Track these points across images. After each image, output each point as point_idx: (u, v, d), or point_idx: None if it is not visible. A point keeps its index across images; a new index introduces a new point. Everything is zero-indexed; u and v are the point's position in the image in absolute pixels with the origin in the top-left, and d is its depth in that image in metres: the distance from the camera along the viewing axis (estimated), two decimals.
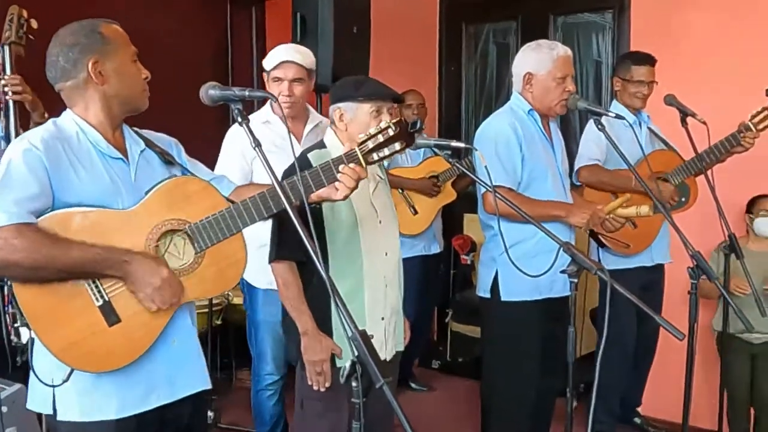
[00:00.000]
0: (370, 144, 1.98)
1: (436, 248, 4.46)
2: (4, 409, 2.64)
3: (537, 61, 2.99)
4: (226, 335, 4.60)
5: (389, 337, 2.50)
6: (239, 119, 1.78)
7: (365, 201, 2.42)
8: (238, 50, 5.28)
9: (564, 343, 2.20)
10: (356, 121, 2.37)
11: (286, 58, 3.10)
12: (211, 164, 3.05)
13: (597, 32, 4.76)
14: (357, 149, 1.98)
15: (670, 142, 3.55)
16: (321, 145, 2.47)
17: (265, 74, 3.20)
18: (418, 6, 5.26)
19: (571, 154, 3.45)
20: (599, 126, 2.72)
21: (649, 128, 3.64)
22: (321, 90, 4.06)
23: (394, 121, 1.99)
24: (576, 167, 3.46)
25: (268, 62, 3.15)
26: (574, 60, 3.10)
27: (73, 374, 1.81)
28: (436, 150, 2.49)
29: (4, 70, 2.68)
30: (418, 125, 2.21)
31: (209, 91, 1.86)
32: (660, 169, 3.40)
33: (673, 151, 3.52)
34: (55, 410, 1.84)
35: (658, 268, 3.67)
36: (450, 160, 2.59)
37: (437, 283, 4.84)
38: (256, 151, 1.70)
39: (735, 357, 3.60)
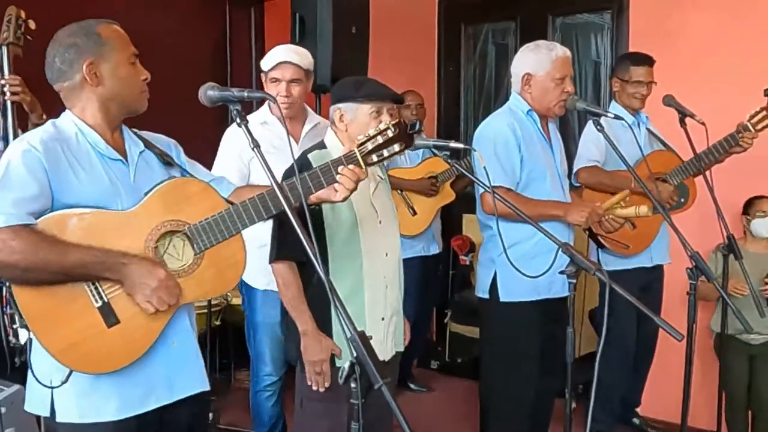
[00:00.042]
0: (370, 145, 1.98)
1: (435, 249, 4.46)
2: (3, 410, 2.64)
3: (536, 61, 2.99)
4: (225, 336, 4.60)
5: (389, 337, 2.50)
6: (238, 120, 1.78)
7: (365, 201, 2.42)
8: (237, 51, 5.28)
9: (563, 344, 2.19)
10: (356, 121, 2.37)
11: (283, 58, 3.10)
12: (210, 165, 3.05)
13: (596, 33, 4.76)
14: (356, 150, 1.98)
15: (669, 142, 3.55)
16: (321, 145, 2.47)
17: (263, 75, 3.20)
18: (417, 6, 5.26)
19: (570, 155, 3.45)
20: (598, 127, 2.73)
21: (647, 129, 3.64)
22: (320, 90, 4.06)
23: (393, 122, 1.99)
24: (575, 168, 3.46)
25: (265, 63, 3.15)
26: (572, 60, 3.10)
27: (72, 376, 1.80)
28: (434, 151, 2.49)
29: (2, 71, 2.67)
30: (417, 127, 2.21)
31: (208, 92, 1.86)
32: (659, 170, 3.40)
33: (672, 152, 3.53)
34: (53, 412, 1.84)
35: (657, 269, 3.67)
36: (449, 160, 2.60)
37: (436, 284, 4.84)
38: (255, 152, 1.70)
39: (733, 358, 3.60)
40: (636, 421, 4.09)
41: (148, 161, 1.99)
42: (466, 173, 2.53)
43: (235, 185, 2.20)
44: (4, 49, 2.67)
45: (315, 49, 3.85)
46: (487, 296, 3.02)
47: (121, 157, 1.92)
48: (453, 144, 2.40)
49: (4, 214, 1.68)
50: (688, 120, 3.13)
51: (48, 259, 1.69)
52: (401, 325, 2.60)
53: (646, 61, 3.56)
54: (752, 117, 3.30)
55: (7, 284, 1.76)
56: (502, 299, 2.97)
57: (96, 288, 1.78)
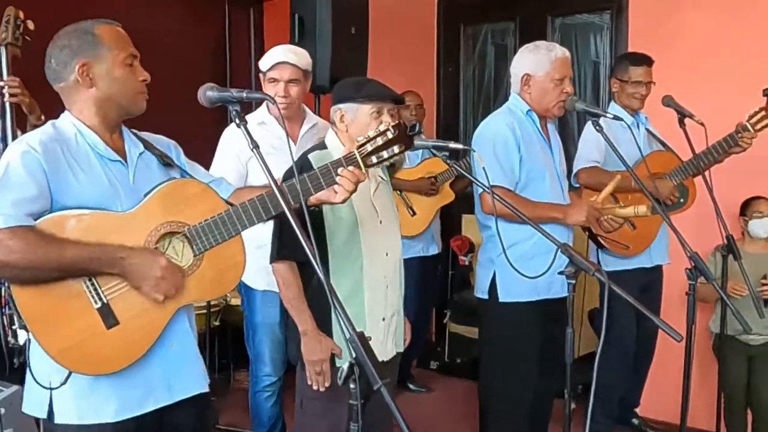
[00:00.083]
0: (369, 147, 1.98)
1: (434, 249, 4.46)
2: (2, 411, 2.64)
3: (535, 62, 2.98)
4: (225, 336, 4.60)
5: (389, 337, 2.51)
6: (237, 121, 1.78)
7: (366, 201, 2.42)
8: (236, 51, 5.28)
9: (562, 344, 2.19)
10: (357, 122, 2.37)
11: (281, 59, 3.10)
12: (209, 165, 3.05)
13: (595, 33, 4.76)
14: (356, 152, 1.98)
15: (668, 143, 3.56)
16: (322, 145, 2.47)
17: (261, 75, 3.20)
18: (416, 7, 5.26)
19: (570, 156, 3.45)
20: (597, 127, 2.72)
21: (647, 129, 3.64)
22: (319, 91, 4.07)
23: (393, 124, 1.98)
24: (575, 169, 3.46)
25: (264, 63, 3.15)
26: (572, 61, 3.10)
27: (71, 377, 1.80)
28: (434, 151, 2.49)
29: (1, 72, 2.67)
30: (417, 128, 2.21)
31: (207, 93, 1.85)
32: (658, 170, 3.41)
33: (671, 152, 3.53)
34: (51, 413, 1.83)
35: (657, 270, 3.67)
36: (448, 161, 2.59)
37: (435, 284, 4.84)
38: (254, 152, 1.70)
39: (733, 358, 3.60)
40: (635, 421, 4.09)
41: (147, 162, 1.98)
42: (466, 174, 2.52)
43: (235, 186, 2.20)
44: (3, 49, 2.67)
45: (314, 50, 3.86)
46: (486, 296, 3.02)
47: (120, 158, 1.91)
48: (452, 145, 2.40)
49: (3, 215, 1.68)
50: (687, 120, 3.13)
51: (46, 256, 1.69)
52: (402, 325, 2.60)
53: (645, 61, 3.56)
54: (751, 117, 3.30)
55: (6, 285, 1.76)
56: (501, 299, 2.97)
57: (95, 289, 1.78)
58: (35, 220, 1.73)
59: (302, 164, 2.35)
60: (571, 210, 2.93)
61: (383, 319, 2.46)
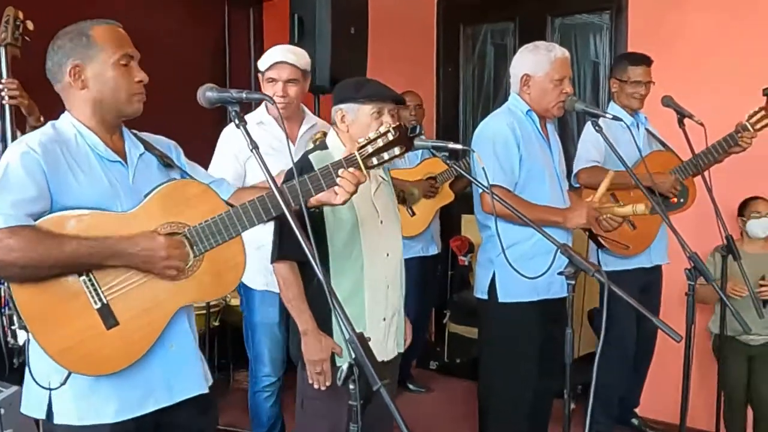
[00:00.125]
0: (370, 148, 1.98)
1: (434, 249, 4.46)
2: (2, 411, 2.64)
3: (534, 62, 2.99)
4: (224, 336, 4.60)
5: (390, 337, 2.51)
6: (236, 122, 1.77)
7: (367, 201, 2.42)
8: (236, 51, 5.28)
9: (562, 345, 2.19)
10: (357, 122, 2.37)
11: (280, 58, 3.10)
12: (208, 165, 3.05)
13: (595, 33, 4.76)
14: (356, 153, 1.98)
15: (668, 143, 3.56)
16: (323, 146, 2.47)
17: (260, 75, 3.20)
18: (416, 7, 5.26)
19: (569, 157, 3.45)
20: (596, 128, 2.72)
21: (646, 129, 3.64)
22: (318, 91, 4.07)
23: (393, 125, 1.99)
24: (575, 170, 3.46)
25: (262, 63, 3.15)
26: (571, 61, 3.10)
27: (71, 377, 1.80)
28: (433, 151, 2.49)
29: (0, 72, 2.67)
30: (418, 130, 2.22)
31: (206, 93, 1.85)
32: (658, 170, 3.40)
33: (671, 152, 3.53)
34: (50, 414, 1.83)
35: (656, 270, 3.67)
36: (447, 161, 2.59)
37: (435, 285, 4.84)
38: (253, 153, 1.70)
39: (733, 358, 3.60)
40: (635, 421, 4.09)
41: (147, 163, 1.98)
42: (465, 174, 2.53)
43: (236, 187, 2.20)
44: (3, 50, 2.67)
45: (314, 50, 3.86)
46: (485, 297, 3.02)
47: (120, 159, 1.91)
48: (452, 145, 2.40)
49: (3, 215, 1.68)
50: (686, 120, 3.13)
51: (46, 253, 1.69)
52: (402, 325, 2.60)
53: (644, 60, 3.57)
54: (751, 117, 3.31)
55: (6, 284, 1.76)
56: (500, 300, 2.97)
57: (95, 289, 1.78)
58: (35, 220, 1.73)
59: (303, 164, 2.35)
60: (571, 214, 2.93)
61: (384, 319, 2.46)
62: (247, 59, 5.30)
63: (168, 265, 1.81)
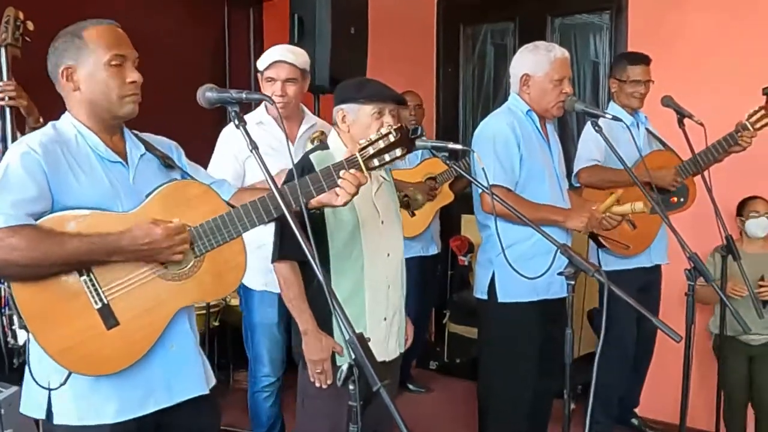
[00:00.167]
0: (371, 150, 1.98)
1: (433, 250, 4.46)
2: (2, 411, 2.64)
3: (534, 62, 2.99)
4: (224, 337, 4.60)
5: (392, 337, 2.51)
6: (236, 122, 1.77)
7: (367, 201, 2.42)
8: (236, 51, 5.28)
9: (561, 345, 2.19)
10: (358, 122, 2.37)
11: (278, 58, 3.10)
12: (207, 165, 3.05)
13: (594, 33, 4.76)
14: (358, 155, 1.98)
15: (668, 142, 3.56)
16: (324, 146, 2.47)
17: (259, 75, 3.20)
18: (416, 7, 5.26)
19: (569, 157, 3.45)
20: (596, 128, 2.72)
21: (646, 129, 3.64)
22: (318, 91, 4.06)
23: (395, 127, 1.99)
24: (575, 169, 3.46)
25: (261, 62, 3.15)
26: (571, 61, 3.10)
27: (71, 377, 1.80)
28: (433, 152, 2.49)
29: (0, 72, 2.67)
30: (419, 131, 2.22)
31: (206, 94, 1.85)
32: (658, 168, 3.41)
33: (671, 152, 3.53)
34: (50, 414, 1.83)
35: (656, 269, 3.68)
36: (447, 161, 2.59)
37: (435, 285, 4.84)
38: (253, 154, 1.70)
39: (733, 358, 3.60)
40: (634, 421, 4.10)
41: (148, 164, 1.98)
42: (465, 174, 2.53)
43: (237, 188, 2.20)
44: (3, 50, 2.67)
45: (314, 50, 3.86)
46: (485, 297, 3.02)
47: (120, 160, 1.91)
48: (452, 145, 2.40)
49: (3, 215, 1.68)
50: (686, 121, 3.13)
51: (49, 251, 1.69)
52: (404, 325, 2.60)
53: (643, 60, 3.57)
54: (751, 116, 3.31)
55: (6, 284, 1.76)
56: (500, 300, 2.97)
57: (96, 289, 1.78)
58: (35, 221, 1.73)
59: (304, 164, 2.36)
60: (573, 214, 2.93)
61: (385, 319, 2.46)
62: (247, 59, 5.30)
63: (172, 251, 1.81)
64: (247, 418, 3.55)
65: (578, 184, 3.46)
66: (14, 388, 2.68)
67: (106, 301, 1.79)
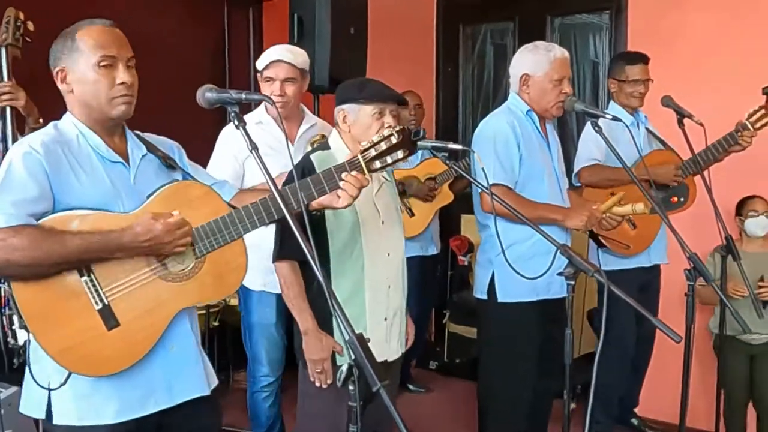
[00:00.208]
0: (373, 152, 1.98)
1: (433, 250, 4.46)
2: (2, 411, 2.64)
3: (534, 62, 2.99)
4: (224, 337, 4.60)
5: (393, 338, 2.51)
6: (236, 122, 1.77)
7: (368, 201, 2.42)
8: (236, 51, 5.27)
9: (561, 345, 2.20)
10: (359, 122, 2.38)
11: (277, 57, 3.10)
12: (207, 165, 3.05)
13: (594, 33, 4.76)
14: (360, 157, 1.98)
15: (669, 142, 3.56)
16: (325, 146, 2.47)
17: (258, 75, 3.20)
18: (416, 7, 5.25)
19: (569, 157, 3.45)
20: (596, 128, 2.72)
21: (647, 129, 3.64)
22: (318, 91, 4.06)
23: (397, 129, 1.99)
24: (576, 169, 3.47)
25: (260, 62, 3.15)
26: (571, 61, 3.10)
27: (71, 377, 1.80)
28: (433, 152, 2.49)
29: (0, 72, 2.67)
30: (421, 134, 2.22)
31: (206, 94, 1.85)
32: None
33: (672, 151, 3.53)
34: (49, 414, 1.83)
35: (655, 269, 3.68)
36: (447, 162, 2.59)
37: (434, 285, 4.84)
38: (252, 154, 1.70)
39: (734, 357, 3.60)
40: (634, 421, 4.10)
41: (150, 164, 1.98)
42: (465, 174, 2.53)
43: (238, 189, 2.20)
44: (3, 50, 2.67)
45: (313, 50, 3.85)
46: (485, 297, 3.02)
47: (121, 160, 1.92)
48: (452, 145, 2.41)
49: (5, 215, 1.68)
50: (686, 121, 3.13)
51: (50, 250, 1.69)
52: (405, 325, 2.60)
53: (641, 59, 3.57)
54: (751, 115, 3.31)
55: (6, 284, 1.76)
56: (500, 300, 2.97)
57: (96, 290, 1.78)
58: (36, 221, 1.73)
59: (304, 165, 2.36)
60: (572, 213, 2.94)
61: (385, 319, 2.46)
62: (246, 59, 5.29)
63: (174, 245, 1.81)
64: (247, 418, 3.55)
65: (579, 184, 3.46)
66: (14, 388, 2.69)
67: (106, 302, 1.79)
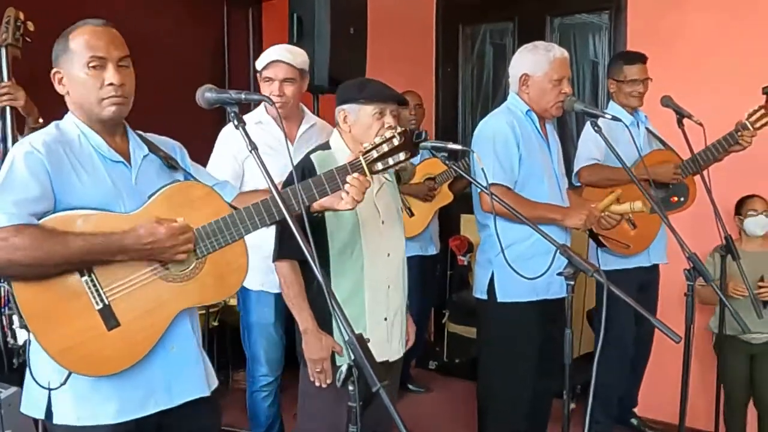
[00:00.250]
0: (375, 153, 1.98)
1: (432, 250, 4.47)
2: (2, 411, 2.64)
3: (533, 62, 2.99)
4: (223, 336, 4.60)
5: (394, 338, 2.51)
6: (235, 122, 1.77)
7: (368, 202, 2.41)
8: (235, 51, 5.27)
9: (561, 345, 2.20)
10: (359, 122, 2.38)
11: (276, 57, 3.10)
12: (207, 165, 3.05)
13: (594, 33, 4.76)
14: (362, 159, 1.98)
15: (668, 142, 3.56)
16: (326, 146, 2.48)
17: (258, 75, 3.20)
18: (415, 7, 5.25)
19: (569, 157, 3.45)
20: (595, 128, 2.73)
21: (647, 128, 3.65)
22: (318, 91, 4.06)
23: (399, 131, 1.99)
24: (576, 168, 3.47)
25: (259, 62, 3.15)
26: (570, 61, 3.10)
27: (71, 377, 1.80)
28: (433, 152, 2.49)
29: (0, 73, 2.67)
30: (423, 136, 2.22)
31: (205, 94, 1.85)
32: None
33: (671, 151, 3.53)
34: (49, 414, 1.83)
35: (655, 269, 3.68)
36: (446, 162, 2.59)
37: (434, 284, 4.84)
38: (252, 154, 1.70)
39: (734, 356, 3.59)
40: (634, 421, 4.10)
41: (151, 165, 1.98)
42: (464, 175, 2.53)
43: (239, 189, 2.20)
44: (3, 50, 2.67)
45: (313, 50, 3.85)
46: (484, 297, 3.02)
47: (123, 160, 1.91)
48: (451, 146, 2.41)
49: (6, 214, 1.68)
50: (686, 120, 3.13)
51: (52, 251, 1.69)
52: (405, 325, 2.60)
53: (639, 58, 3.57)
54: (751, 115, 3.31)
55: (6, 284, 1.76)
56: (499, 300, 2.97)
57: (97, 290, 1.78)
58: (38, 220, 1.73)
59: (305, 165, 2.36)
60: (571, 212, 2.94)
61: (385, 319, 2.47)
62: (246, 59, 5.29)
63: (176, 251, 1.81)
64: (246, 417, 3.55)
65: (578, 183, 3.46)
66: (14, 388, 2.68)
67: (107, 302, 1.79)
